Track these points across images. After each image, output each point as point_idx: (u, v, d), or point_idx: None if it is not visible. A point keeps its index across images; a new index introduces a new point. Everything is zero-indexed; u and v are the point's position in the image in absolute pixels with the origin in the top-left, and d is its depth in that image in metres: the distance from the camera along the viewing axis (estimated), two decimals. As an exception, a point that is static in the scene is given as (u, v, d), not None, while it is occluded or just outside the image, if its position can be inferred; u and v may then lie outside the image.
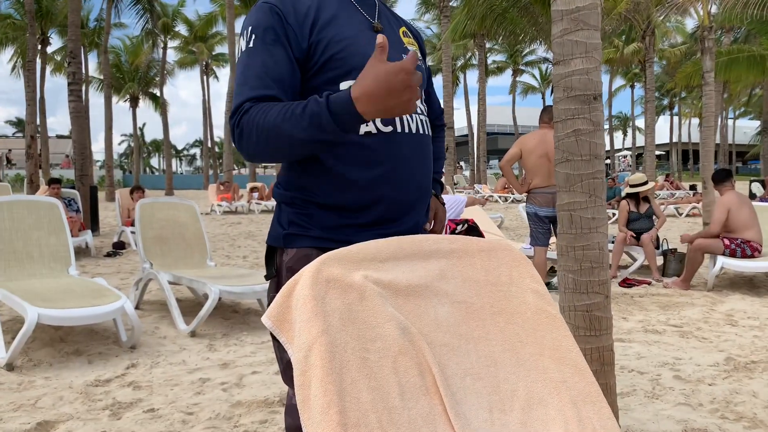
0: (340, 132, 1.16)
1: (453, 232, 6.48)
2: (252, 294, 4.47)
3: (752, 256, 6.11)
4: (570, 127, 2.38)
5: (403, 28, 1.57)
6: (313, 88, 1.35)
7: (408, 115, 1.40)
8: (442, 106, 1.78)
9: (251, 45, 1.32)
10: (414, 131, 1.42)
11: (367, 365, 1.01)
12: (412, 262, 1.17)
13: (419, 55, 1.54)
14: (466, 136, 39.94)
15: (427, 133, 1.48)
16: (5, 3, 21.85)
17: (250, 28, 1.34)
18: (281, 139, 1.20)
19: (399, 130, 1.39)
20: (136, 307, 5.26)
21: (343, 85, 1.34)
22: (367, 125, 1.35)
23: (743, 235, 6.13)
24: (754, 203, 8.28)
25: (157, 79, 35.19)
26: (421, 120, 1.46)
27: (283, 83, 1.31)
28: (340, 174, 1.33)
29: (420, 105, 1.48)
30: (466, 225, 6.65)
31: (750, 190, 18.65)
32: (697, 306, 5.48)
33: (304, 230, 1.35)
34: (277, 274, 1.37)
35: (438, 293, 1.17)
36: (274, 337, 1.16)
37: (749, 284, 6.51)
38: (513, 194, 22.11)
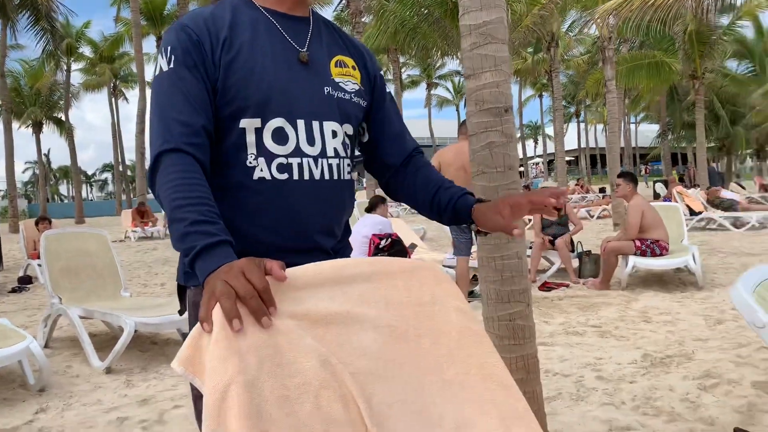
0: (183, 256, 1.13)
1: (377, 247, 6.48)
2: (170, 324, 4.28)
3: (661, 255, 6.43)
4: (484, 140, 2.41)
5: (339, 57, 1.41)
6: (218, 121, 1.28)
7: (312, 160, 1.30)
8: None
9: (172, 66, 1.25)
10: (318, 178, 1.31)
11: (288, 403, 0.95)
12: (331, 289, 1.12)
13: (361, 80, 1.43)
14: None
15: (340, 178, 1.36)
16: None
17: (169, 48, 1.26)
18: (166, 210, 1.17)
19: (296, 177, 1.29)
20: (46, 346, 4.93)
21: (243, 123, 1.26)
22: (261, 170, 1.27)
23: (652, 236, 6.44)
24: (659, 203, 8.75)
25: (61, 102, 33.58)
26: (331, 164, 1.33)
27: (206, 108, 1.25)
28: (227, 219, 1.23)
29: (338, 146, 1.36)
30: (389, 239, 6.66)
31: (654, 191, 19.74)
32: (613, 305, 5.70)
33: None
34: (188, 310, 1.30)
35: (359, 319, 1.13)
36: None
37: (660, 281, 6.83)
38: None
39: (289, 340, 1.01)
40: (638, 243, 6.41)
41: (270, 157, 1.28)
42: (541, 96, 51.15)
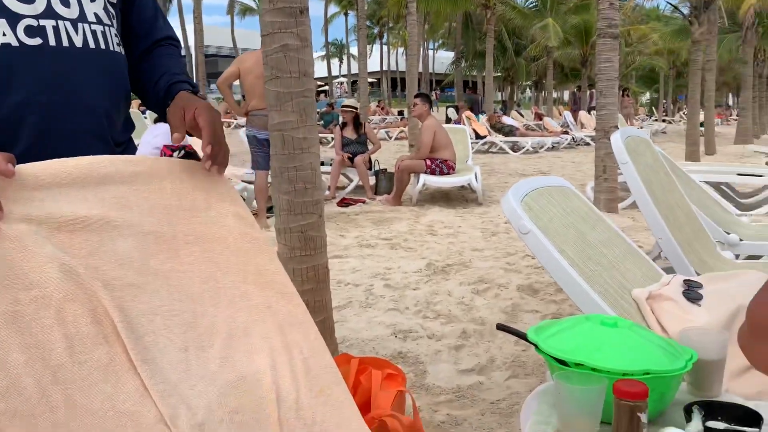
0: None
1: (168, 159, 6.07)
2: None
3: (448, 174, 6.86)
4: (278, 42, 2.28)
5: None
6: None
7: (69, 24, 1.11)
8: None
9: None
10: (80, 45, 1.13)
11: (20, 319, 0.81)
12: (82, 190, 0.97)
13: None
14: (183, 57, 37.67)
15: (108, 48, 1.19)
16: None
17: None
18: None
19: (53, 42, 1.09)
20: None
21: None
22: (4, 35, 1.04)
23: (441, 155, 6.82)
24: (449, 126, 9.29)
25: None
26: (95, 31, 1.17)
27: None
28: None
29: (99, 11, 1.18)
30: (183, 151, 6.26)
31: (446, 115, 20.95)
32: (404, 220, 6.00)
33: None
34: None
35: (117, 225, 0.99)
36: None
37: (446, 198, 7.33)
38: (236, 119, 21.59)
39: (23, 247, 0.85)
40: (429, 162, 6.76)
41: (13, 17, 1.06)
42: (346, 14, 50.85)
